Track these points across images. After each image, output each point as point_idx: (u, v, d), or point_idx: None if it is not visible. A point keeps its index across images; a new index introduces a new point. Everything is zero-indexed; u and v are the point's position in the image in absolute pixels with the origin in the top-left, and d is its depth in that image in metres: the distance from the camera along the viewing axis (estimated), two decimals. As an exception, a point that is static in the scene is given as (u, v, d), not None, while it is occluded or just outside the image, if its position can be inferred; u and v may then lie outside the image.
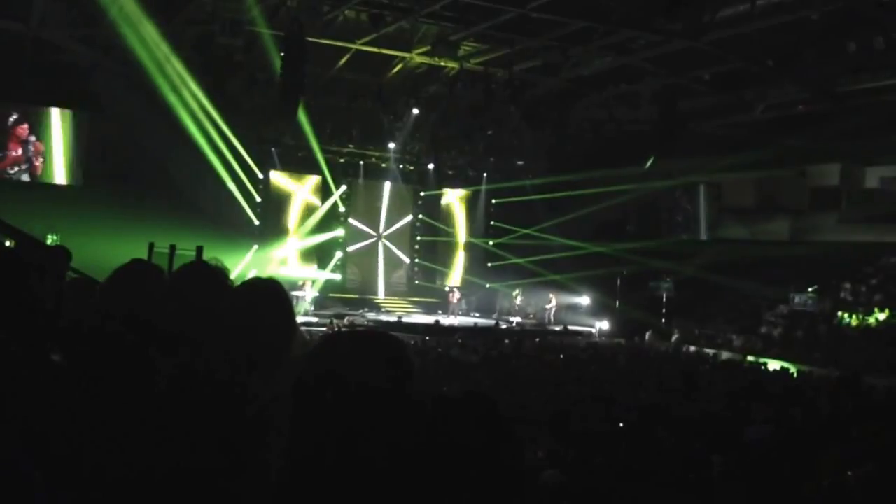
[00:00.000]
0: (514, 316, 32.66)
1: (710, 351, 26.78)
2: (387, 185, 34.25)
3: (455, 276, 35.14)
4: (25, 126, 27.59)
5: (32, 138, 27.60)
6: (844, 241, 32.69)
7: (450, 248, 35.40)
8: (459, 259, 35.49)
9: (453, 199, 35.55)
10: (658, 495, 8.09)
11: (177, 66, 25.28)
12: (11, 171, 27.54)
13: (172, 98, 25.94)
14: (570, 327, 31.35)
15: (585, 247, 32.27)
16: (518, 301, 33.38)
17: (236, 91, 27.00)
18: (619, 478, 8.45)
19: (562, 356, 21.06)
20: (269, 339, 2.38)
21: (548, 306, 32.58)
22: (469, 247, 35.68)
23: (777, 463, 9.68)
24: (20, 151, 27.52)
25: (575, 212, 32.61)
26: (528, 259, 33.49)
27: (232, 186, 29.46)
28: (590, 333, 30.97)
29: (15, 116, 27.50)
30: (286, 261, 31.54)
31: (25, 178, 27.62)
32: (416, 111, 29.61)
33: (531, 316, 33.21)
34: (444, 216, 35.38)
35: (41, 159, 27.73)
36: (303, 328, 22.94)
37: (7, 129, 27.48)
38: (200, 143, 27.49)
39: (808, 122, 31.16)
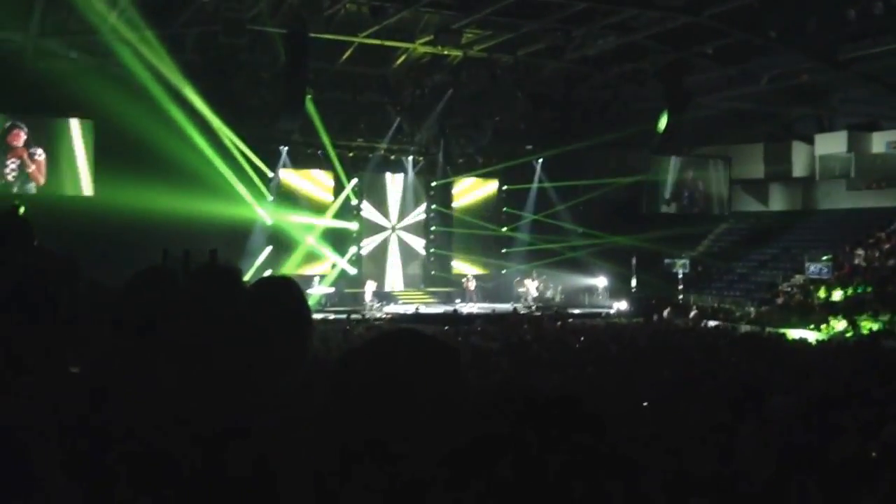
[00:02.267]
0: (532, 301, 32.76)
1: (729, 324, 26.84)
2: (398, 177, 34.31)
3: (471, 263, 35.18)
4: (26, 137, 27.58)
5: (38, 150, 27.60)
6: (855, 207, 32.79)
7: (465, 236, 35.45)
8: (475, 246, 35.55)
9: (465, 186, 35.55)
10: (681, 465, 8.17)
11: (180, 69, 25.39)
12: (11, 180, 27.54)
13: (177, 102, 26.03)
14: (578, 310, 31.46)
15: (598, 234, 32.48)
16: (535, 285, 33.58)
17: (242, 91, 27.08)
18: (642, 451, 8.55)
19: (582, 338, 21.12)
20: (284, 337, 2.39)
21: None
22: (483, 233, 35.75)
23: (801, 430, 9.77)
24: (28, 162, 27.57)
25: (587, 195, 32.78)
26: (543, 246, 33.66)
27: (242, 187, 29.50)
28: (608, 314, 31.06)
29: (18, 128, 27.52)
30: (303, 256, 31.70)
31: (32, 189, 27.64)
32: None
33: (550, 299, 33.32)
34: (457, 204, 35.44)
35: (45, 170, 27.73)
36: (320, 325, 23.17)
37: (9, 142, 27.50)
38: (208, 146, 27.56)
39: (813, 91, 31.19)
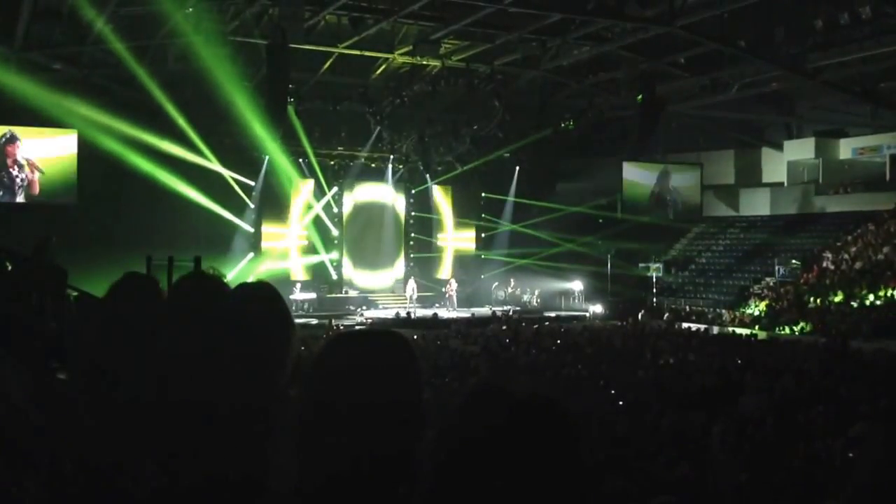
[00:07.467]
0: (510, 304, 33.25)
1: (702, 326, 27.38)
2: (378, 185, 34.71)
3: (449, 268, 35.62)
4: (17, 146, 27.76)
5: (28, 158, 27.77)
6: (823, 212, 33.54)
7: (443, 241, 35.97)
8: (452, 252, 36.01)
9: (443, 194, 35.94)
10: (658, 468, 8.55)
11: (163, 80, 25.68)
12: (16, 191, 27.75)
13: (160, 112, 26.29)
14: (555, 313, 31.95)
15: (573, 242, 33.18)
16: (511, 290, 34.20)
17: (224, 101, 27.30)
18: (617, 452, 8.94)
19: (559, 341, 21.59)
20: (266, 342, 2.30)
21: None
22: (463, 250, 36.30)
23: (772, 429, 10.25)
24: (15, 172, 27.74)
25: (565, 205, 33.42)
26: (519, 251, 34.31)
27: (225, 195, 29.78)
28: (583, 317, 31.58)
29: (7, 137, 27.69)
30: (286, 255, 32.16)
31: (20, 198, 27.79)
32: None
33: (527, 303, 33.82)
34: (436, 211, 35.84)
35: (35, 178, 27.90)
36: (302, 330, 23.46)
37: (1, 151, 27.69)
38: (192, 156, 27.84)
39: (783, 99, 31.92)
